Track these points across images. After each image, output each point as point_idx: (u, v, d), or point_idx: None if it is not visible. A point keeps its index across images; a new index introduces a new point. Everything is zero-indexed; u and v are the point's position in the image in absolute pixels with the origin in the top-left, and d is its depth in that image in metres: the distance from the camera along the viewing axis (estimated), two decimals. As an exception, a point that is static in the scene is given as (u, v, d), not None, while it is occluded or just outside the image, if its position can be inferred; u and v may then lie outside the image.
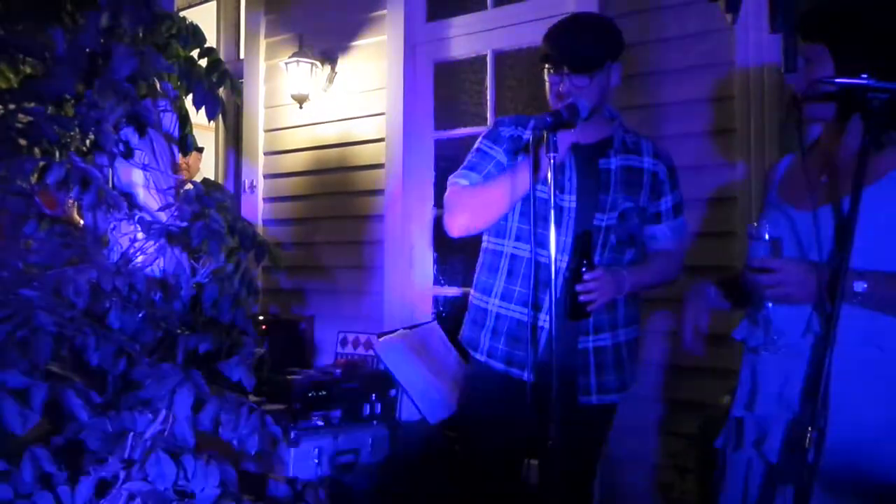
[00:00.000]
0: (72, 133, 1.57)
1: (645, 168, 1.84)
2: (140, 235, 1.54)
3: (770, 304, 1.38)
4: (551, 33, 1.79)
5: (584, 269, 1.70)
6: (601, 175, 1.79)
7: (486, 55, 3.14)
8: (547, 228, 1.58)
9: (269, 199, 3.78)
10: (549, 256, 1.57)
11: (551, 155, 1.48)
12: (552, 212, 1.53)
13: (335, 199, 3.52)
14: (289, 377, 2.68)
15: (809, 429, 1.18)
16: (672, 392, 2.48)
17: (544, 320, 1.77)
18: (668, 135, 2.51)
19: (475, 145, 1.91)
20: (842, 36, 1.36)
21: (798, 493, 1.19)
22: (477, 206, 1.82)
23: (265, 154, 3.80)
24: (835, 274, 1.25)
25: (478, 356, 1.87)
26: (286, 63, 3.50)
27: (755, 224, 1.40)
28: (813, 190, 1.40)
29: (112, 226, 1.55)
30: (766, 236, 1.36)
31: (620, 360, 1.85)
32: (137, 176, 1.69)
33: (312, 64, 3.48)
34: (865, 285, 1.29)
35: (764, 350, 1.40)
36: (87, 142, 1.59)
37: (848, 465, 1.28)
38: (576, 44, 1.75)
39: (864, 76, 1.22)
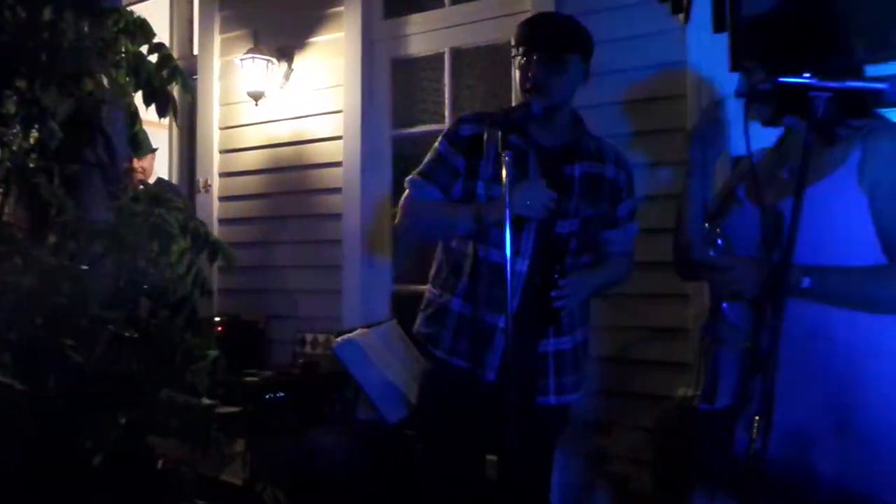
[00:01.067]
0: (14, 131, 1.51)
1: (607, 176, 1.87)
2: (87, 237, 1.50)
3: (724, 303, 1.42)
4: (526, 20, 1.86)
5: (556, 276, 1.72)
6: (564, 182, 1.81)
7: (443, 53, 3.14)
8: (510, 231, 1.59)
9: (224, 199, 3.71)
10: (510, 259, 1.59)
11: (506, 154, 1.48)
12: (507, 212, 1.53)
13: (292, 197, 3.48)
14: (245, 379, 2.65)
15: (756, 419, 1.21)
16: (627, 385, 2.53)
17: (505, 321, 1.78)
18: (622, 133, 2.55)
19: (435, 144, 1.93)
20: (772, 50, 1.41)
21: (746, 484, 1.22)
22: (424, 230, 1.95)
23: (220, 152, 3.73)
24: (779, 269, 1.28)
25: (438, 353, 1.87)
26: (241, 59, 3.44)
27: (707, 226, 1.44)
28: (771, 186, 1.44)
29: (58, 227, 1.51)
30: (719, 242, 1.40)
31: (577, 360, 1.89)
32: (85, 175, 1.64)
33: (268, 61, 3.43)
34: (810, 280, 1.33)
35: (723, 345, 1.44)
36: (31, 140, 1.54)
37: (793, 456, 1.33)
38: (549, 26, 1.83)
39: (807, 75, 1.26)
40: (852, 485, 1.31)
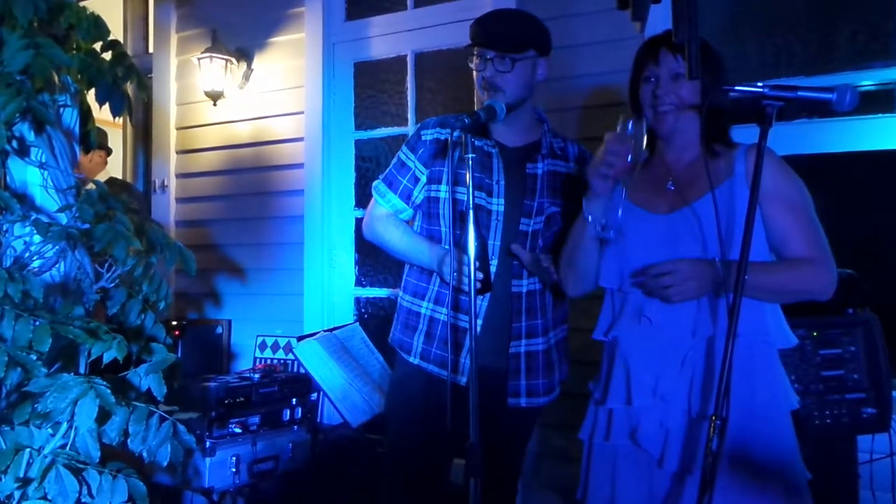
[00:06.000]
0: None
1: (571, 173, 1.88)
2: (37, 238, 1.45)
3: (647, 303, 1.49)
4: (478, 18, 1.84)
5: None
6: (528, 180, 1.82)
7: (406, 56, 3.14)
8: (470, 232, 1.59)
9: (181, 200, 3.64)
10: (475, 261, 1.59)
11: (469, 156, 1.49)
12: (471, 213, 1.52)
13: (253, 199, 3.43)
14: (204, 384, 2.59)
15: (713, 418, 1.25)
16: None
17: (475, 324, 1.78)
18: (581, 138, 2.58)
19: (399, 151, 1.94)
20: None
21: (703, 478, 1.25)
22: (384, 249, 1.94)
23: (177, 153, 3.66)
24: (732, 268, 1.34)
25: (409, 359, 1.86)
26: (199, 59, 3.38)
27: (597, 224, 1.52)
28: (664, 195, 1.54)
29: (5, 228, 1.45)
30: (611, 234, 1.49)
31: (551, 362, 1.89)
32: (34, 175, 1.59)
33: (227, 60, 3.38)
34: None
35: (641, 346, 1.50)
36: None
37: (735, 449, 1.38)
38: (501, 23, 1.80)
39: (760, 84, 1.31)
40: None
